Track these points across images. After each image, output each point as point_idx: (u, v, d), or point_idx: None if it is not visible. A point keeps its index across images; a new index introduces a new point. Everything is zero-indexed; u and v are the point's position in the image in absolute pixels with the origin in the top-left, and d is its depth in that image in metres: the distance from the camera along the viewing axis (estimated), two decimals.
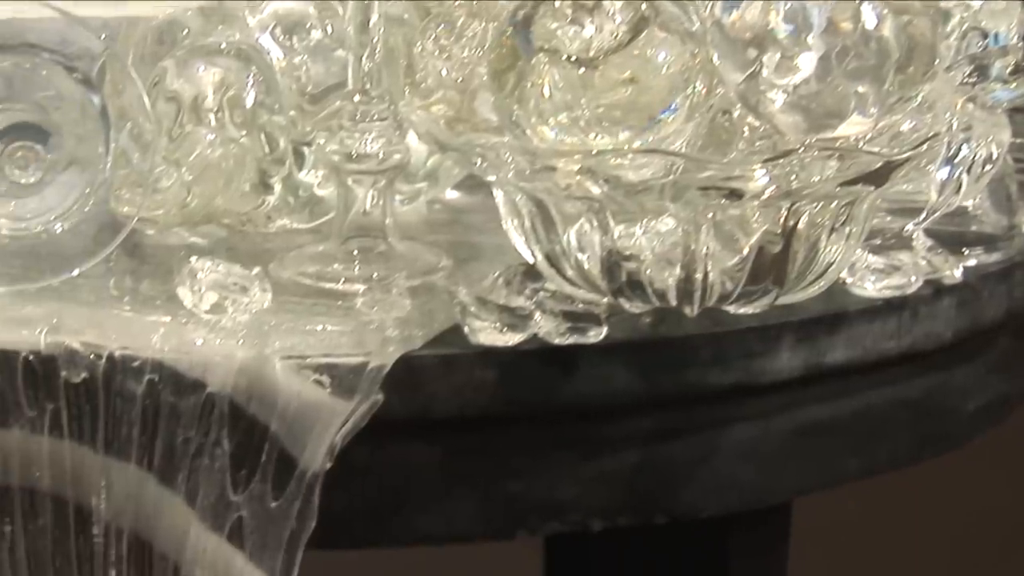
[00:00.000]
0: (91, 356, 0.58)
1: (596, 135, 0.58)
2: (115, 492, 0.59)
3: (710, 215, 0.59)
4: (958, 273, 0.65)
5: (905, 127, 0.60)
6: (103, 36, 0.64)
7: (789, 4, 0.57)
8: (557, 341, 0.59)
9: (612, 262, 0.60)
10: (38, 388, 0.59)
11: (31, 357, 0.59)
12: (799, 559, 0.87)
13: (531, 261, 0.63)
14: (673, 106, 0.59)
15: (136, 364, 0.58)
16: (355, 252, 0.65)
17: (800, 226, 0.60)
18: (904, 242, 0.66)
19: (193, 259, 0.60)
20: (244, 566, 0.58)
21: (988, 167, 0.66)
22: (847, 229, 0.61)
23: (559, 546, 0.95)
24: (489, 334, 0.59)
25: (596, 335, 0.59)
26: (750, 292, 0.61)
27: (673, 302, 0.60)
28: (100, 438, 0.59)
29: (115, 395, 0.58)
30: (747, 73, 0.58)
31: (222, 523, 0.58)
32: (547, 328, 0.59)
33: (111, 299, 0.62)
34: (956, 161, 0.65)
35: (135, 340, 0.59)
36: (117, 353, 0.58)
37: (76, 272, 0.62)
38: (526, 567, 1.08)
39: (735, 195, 0.58)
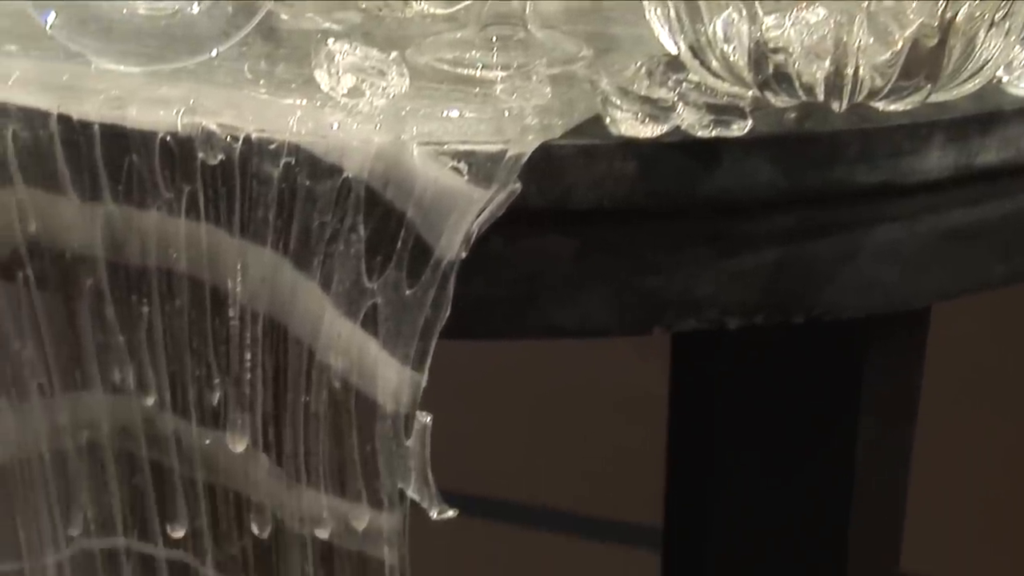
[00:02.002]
0: (228, 138, 0.58)
1: None
2: (250, 275, 0.59)
3: (864, 5, 0.56)
4: None
5: None
6: None
7: None
8: (700, 134, 0.57)
9: (759, 54, 0.58)
10: (175, 169, 0.59)
11: (168, 138, 0.58)
12: (934, 369, 0.86)
13: (674, 52, 0.61)
14: None
15: (273, 147, 0.57)
16: (494, 39, 0.63)
17: (958, 19, 0.57)
18: None
19: (330, 42, 0.59)
20: (378, 353, 0.58)
21: None
22: (1007, 24, 0.59)
23: (687, 347, 0.94)
24: (630, 125, 0.57)
25: (740, 128, 0.57)
26: (901, 88, 0.58)
27: (821, 97, 0.58)
28: (236, 221, 0.58)
29: (251, 178, 0.58)
30: None
31: (356, 309, 0.58)
32: (690, 120, 0.57)
33: (247, 81, 0.61)
34: None
35: (271, 123, 0.58)
36: (254, 135, 0.58)
37: (213, 54, 0.62)
38: (652, 369, 1.08)
39: None
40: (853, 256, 0.60)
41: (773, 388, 0.87)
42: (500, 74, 0.61)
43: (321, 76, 0.59)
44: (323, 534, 0.61)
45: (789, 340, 0.83)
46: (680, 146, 0.57)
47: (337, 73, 0.58)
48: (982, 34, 0.58)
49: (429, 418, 0.58)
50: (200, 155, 0.58)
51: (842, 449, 0.82)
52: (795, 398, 0.86)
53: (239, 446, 0.61)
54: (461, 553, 1.49)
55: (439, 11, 0.68)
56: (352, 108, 0.58)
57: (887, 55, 0.58)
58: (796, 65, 0.58)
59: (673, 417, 1.00)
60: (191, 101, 0.59)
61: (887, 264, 0.61)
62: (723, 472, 0.95)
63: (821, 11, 0.57)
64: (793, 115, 0.59)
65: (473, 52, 0.63)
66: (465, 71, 0.62)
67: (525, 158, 0.56)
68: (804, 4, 0.57)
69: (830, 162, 0.58)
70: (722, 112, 0.58)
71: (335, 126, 0.57)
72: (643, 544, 1.49)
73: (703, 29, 0.59)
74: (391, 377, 0.58)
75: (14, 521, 0.67)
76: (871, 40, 0.57)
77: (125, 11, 0.62)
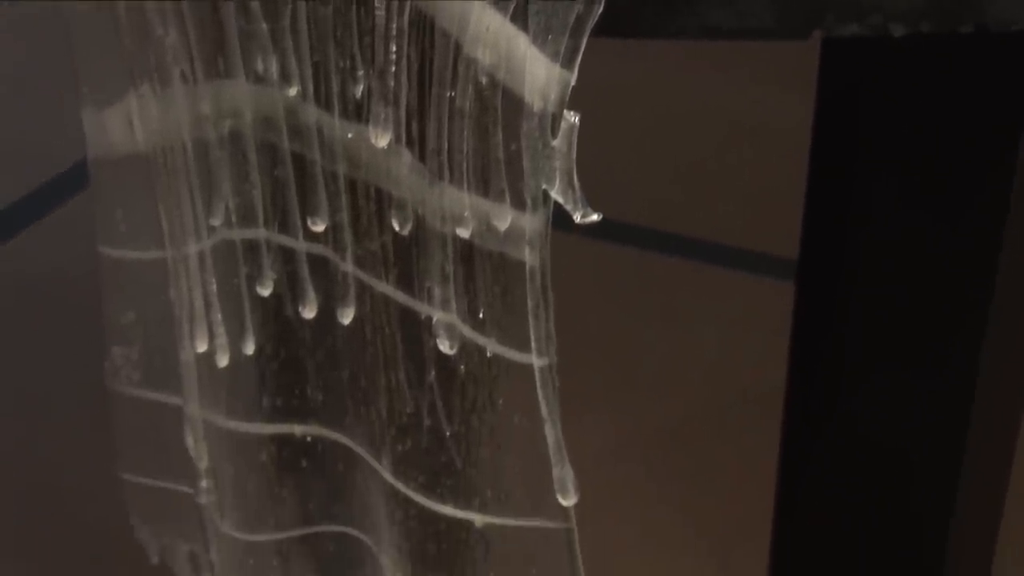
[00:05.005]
0: None
1: None
2: None
3: None
4: None
5: None
6: None
7: None
8: None
9: None
10: None
11: None
12: None
13: None
14: None
15: None
16: None
17: None
18: None
19: None
20: (527, 48, 0.56)
21: None
22: None
23: (835, 65, 0.91)
24: None
25: None
26: None
27: None
28: None
29: None
30: None
31: (506, 2, 0.56)
32: None
33: None
34: None
35: None
36: None
37: None
38: (797, 99, 1.05)
39: None
40: None
41: (926, 111, 0.84)
42: None
43: None
44: (464, 233, 0.60)
45: (949, 55, 0.80)
46: None
47: None
48: None
49: (576, 118, 0.57)
50: None
51: (998, 175, 0.79)
52: (950, 120, 0.83)
53: (382, 141, 0.60)
54: (597, 277, 1.49)
55: None
56: None
57: None
58: None
59: (816, 144, 0.97)
60: None
61: None
62: (865, 201, 0.93)
63: None
64: None
65: None
66: None
67: None
68: None
69: None
70: None
71: None
72: (779, 276, 1.48)
73: None
74: (539, 74, 0.56)
75: (157, 211, 0.67)
76: None
77: None
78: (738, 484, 1.27)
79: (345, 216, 0.62)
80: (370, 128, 0.60)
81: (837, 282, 0.96)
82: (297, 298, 0.66)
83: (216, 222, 0.65)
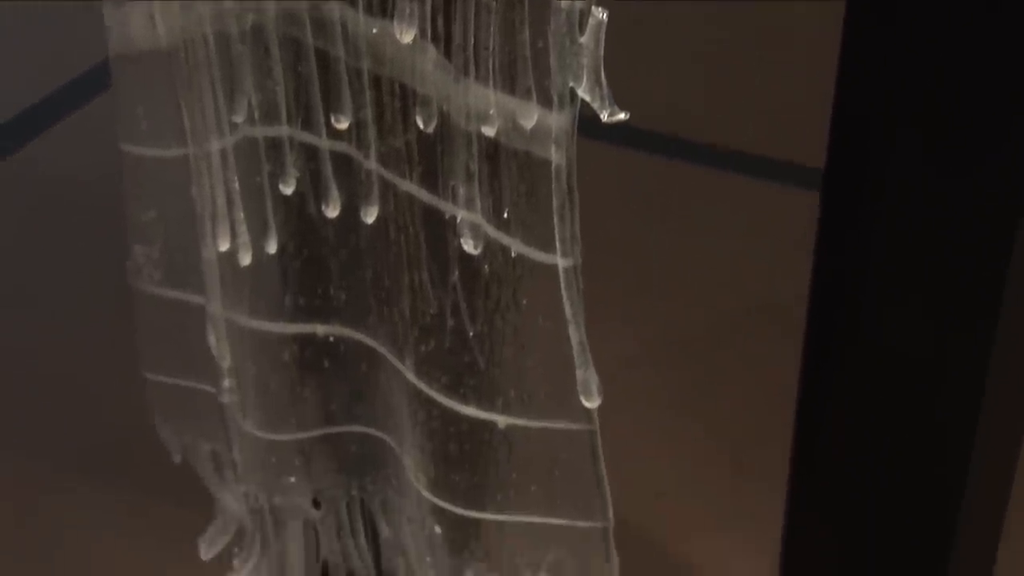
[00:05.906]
0: None
1: None
2: None
3: None
4: None
5: None
6: None
7: None
8: None
9: None
10: None
11: None
12: None
13: None
14: None
15: None
16: None
17: None
18: None
19: None
20: None
21: None
22: None
23: None
24: None
25: None
26: None
27: None
28: None
29: None
30: None
31: None
32: None
33: None
34: None
35: None
36: None
37: None
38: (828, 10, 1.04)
39: None
40: None
41: (958, 16, 0.83)
42: None
43: None
44: (489, 131, 0.59)
45: None
46: None
47: None
48: None
49: (605, 14, 0.56)
50: None
51: None
52: (983, 24, 0.81)
53: (406, 36, 0.59)
54: (619, 184, 1.49)
55: None
56: None
57: None
58: None
59: (845, 50, 0.96)
60: None
61: None
62: (893, 111, 0.92)
63: None
64: None
65: None
66: None
67: None
68: None
69: None
70: None
71: None
72: (801, 184, 1.47)
73: None
74: None
75: (179, 108, 0.67)
76: None
77: None
78: (755, 390, 1.27)
79: (369, 113, 0.62)
80: (395, 23, 0.59)
81: (863, 193, 0.95)
82: (320, 196, 0.65)
83: (239, 119, 0.64)
